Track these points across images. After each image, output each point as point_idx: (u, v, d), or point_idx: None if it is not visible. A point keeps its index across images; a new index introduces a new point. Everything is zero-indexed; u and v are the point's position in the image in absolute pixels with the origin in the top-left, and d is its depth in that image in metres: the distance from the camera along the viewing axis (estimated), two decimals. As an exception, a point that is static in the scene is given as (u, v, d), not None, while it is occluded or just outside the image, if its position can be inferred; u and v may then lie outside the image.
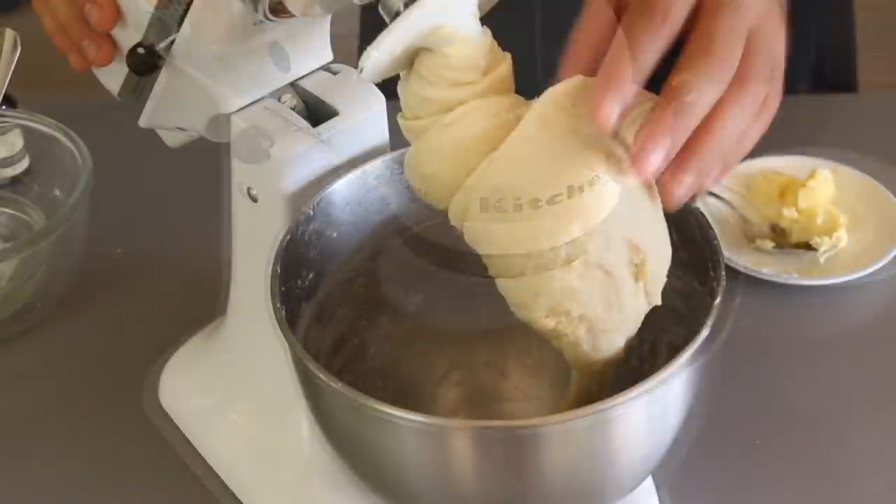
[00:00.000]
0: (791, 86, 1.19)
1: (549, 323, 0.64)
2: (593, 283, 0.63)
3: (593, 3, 0.66)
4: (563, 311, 0.64)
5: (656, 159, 0.59)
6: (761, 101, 0.62)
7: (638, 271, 0.65)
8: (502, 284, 0.65)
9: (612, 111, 0.59)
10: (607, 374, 0.68)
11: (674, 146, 0.59)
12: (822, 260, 0.98)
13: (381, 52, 0.62)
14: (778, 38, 0.64)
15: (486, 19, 0.66)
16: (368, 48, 0.62)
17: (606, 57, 0.60)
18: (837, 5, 1.18)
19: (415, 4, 0.61)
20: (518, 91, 0.69)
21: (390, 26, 0.62)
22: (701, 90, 0.59)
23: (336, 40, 0.77)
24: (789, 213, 1.01)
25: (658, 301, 0.67)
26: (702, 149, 0.60)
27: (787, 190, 1.03)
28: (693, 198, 0.64)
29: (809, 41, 1.17)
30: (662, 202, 0.63)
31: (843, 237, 0.99)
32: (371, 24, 1.20)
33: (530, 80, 0.68)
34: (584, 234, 0.61)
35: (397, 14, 0.62)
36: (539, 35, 1.11)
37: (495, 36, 0.66)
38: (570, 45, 0.66)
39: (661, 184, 0.62)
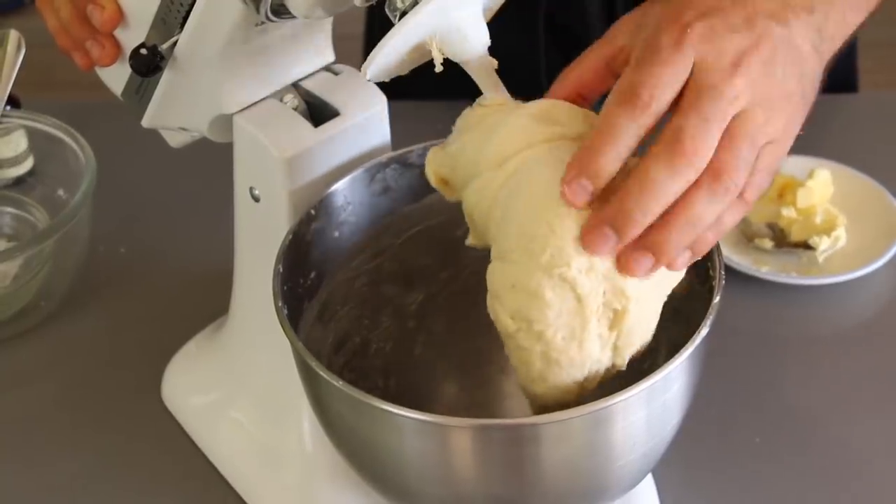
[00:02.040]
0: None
1: (510, 324, 0.63)
2: (563, 303, 0.62)
3: (588, 51, 0.66)
4: (525, 319, 0.62)
5: (604, 244, 0.60)
6: (736, 191, 0.60)
7: (614, 318, 0.63)
8: (492, 268, 0.64)
9: (577, 195, 0.60)
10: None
11: (629, 231, 0.60)
12: (820, 259, 0.99)
13: (386, 55, 0.63)
14: (765, 128, 0.61)
15: (490, 20, 0.66)
16: (373, 52, 0.62)
17: (585, 141, 0.61)
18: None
19: (420, 5, 0.62)
20: (521, 92, 0.69)
21: (396, 27, 0.62)
22: (664, 181, 0.59)
23: (338, 41, 0.77)
24: (788, 212, 1.01)
25: (623, 364, 0.65)
26: (660, 234, 0.60)
27: (787, 190, 1.03)
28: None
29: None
30: (621, 271, 0.62)
31: (841, 236, 0.99)
32: (376, 24, 1.20)
33: (535, 83, 0.69)
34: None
35: (403, 14, 0.62)
36: (543, 38, 1.12)
37: (500, 38, 0.67)
38: (556, 81, 0.67)
39: (618, 255, 0.61)
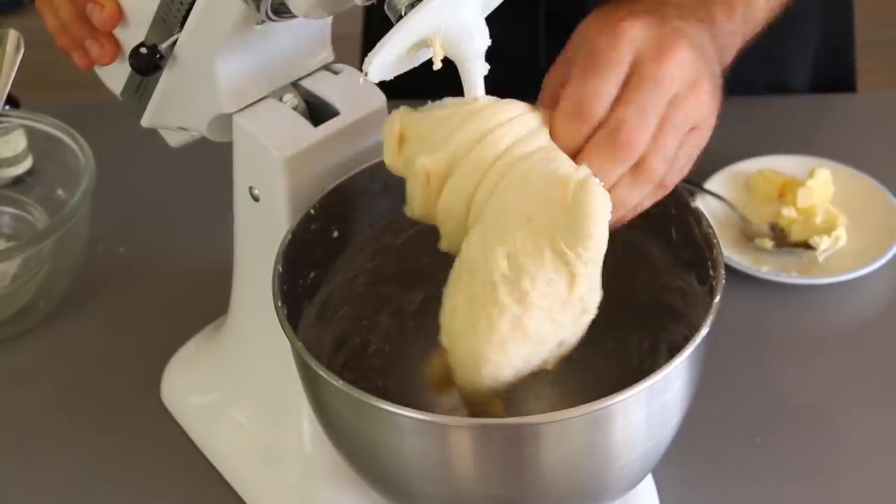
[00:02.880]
0: (791, 86, 1.20)
1: (503, 265, 0.63)
2: (557, 275, 0.63)
3: (546, 80, 0.69)
4: (519, 268, 0.63)
5: None
6: (657, 181, 0.66)
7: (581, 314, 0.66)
8: (509, 197, 0.64)
9: None
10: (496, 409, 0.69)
11: None
12: (820, 259, 0.99)
13: (387, 54, 0.63)
14: (694, 112, 0.66)
15: (490, 18, 0.66)
16: (373, 50, 0.62)
17: None
18: (837, 5, 1.18)
19: (420, 5, 0.62)
20: (523, 91, 0.69)
21: (397, 25, 0.62)
22: (605, 172, 0.64)
23: (338, 40, 0.77)
24: (788, 212, 1.01)
25: (556, 365, 0.68)
26: None
27: (787, 189, 1.03)
28: (693, 196, 0.66)
29: (809, 42, 1.18)
30: None
31: (842, 236, 0.99)
32: (375, 24, 1.20)
33: (535, 81, 0.69)
34: None
35: (403, 14, 0.62)
36: (544, 37, 1.12)
37: (500, 35, 0.67)
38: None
39: None
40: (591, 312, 0.66)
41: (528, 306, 0.63)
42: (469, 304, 0.65)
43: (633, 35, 0.65)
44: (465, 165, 0.64)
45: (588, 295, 0.65)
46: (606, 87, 0.64)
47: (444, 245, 0.68)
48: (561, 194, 0.62)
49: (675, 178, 0.67)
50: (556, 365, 0.68)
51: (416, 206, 0.67)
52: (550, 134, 0.65)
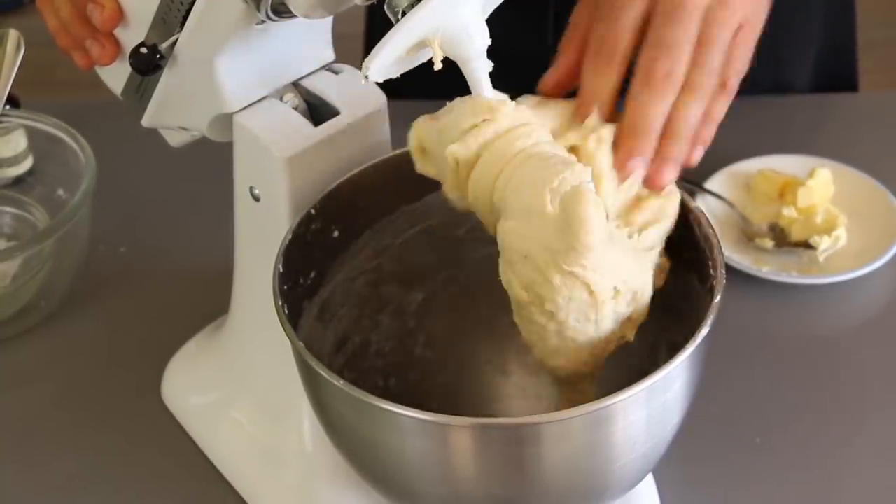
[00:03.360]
0: (793, 86, 1.20)
1: (524, 296, 0.65)
2: (573, 291, 0.64)
3: (560, 52, 0.72)
4: (538, 295, 0.64)
5: (637, 165, 0.69)
6: (711, 90, 0.69)
7: (632, 298, 0.67)
8: (507, 227, 0.65)
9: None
10: (585, 390, 0.70)
11: (648, 149, 0.69)
12: (821, 259, 0.99)
13: (387, 54, 0.63)
14: (732, 18, 0.69)
15: (499, 18, 0.66)
16: (373, 50, 0.62)
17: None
18: (839, 6, 1.18)
19: (419, 5, 0.62)
20: (531, 91, 0.70)
21: (397, 25, 0.62)
22: (654, 105, 0.68)
23: (338, 40, 0.77)
24: (789, 212, 1.01)
25: (632, 337, 0.68)
26: (667, 146, 0.69)
27: (787, 189, 1.03)
28: (693, 196, 0.67)
29: (811, 41, 1.18)
30: (652, 188, 0.70)
31: (842, 236, 0.99)
32: (377, 24, 1.20)
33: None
34: None
35: (403, 13, 0.62)
36: (552, 34, 1.12)
37: (509, 37, 0.67)
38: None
39: (645, 177, 0.69)
40: (646, 291, 0.67)
41: (562, 322, 0.65)
42: (522, 321, 0.68)
43: None
44: (488, 154, 0.65)
45: (626, 284, 0.66)
46: (626, 22, 0.68)
47: (485, 225, 0.70)
48: (548, 223, 0.63)
49: (735, 78, 0.70)
50: (632, 335, 0.69)
51: (448, 190, 0.69)
52: (584, 88, 0.68)
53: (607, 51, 0.69)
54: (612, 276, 0.64)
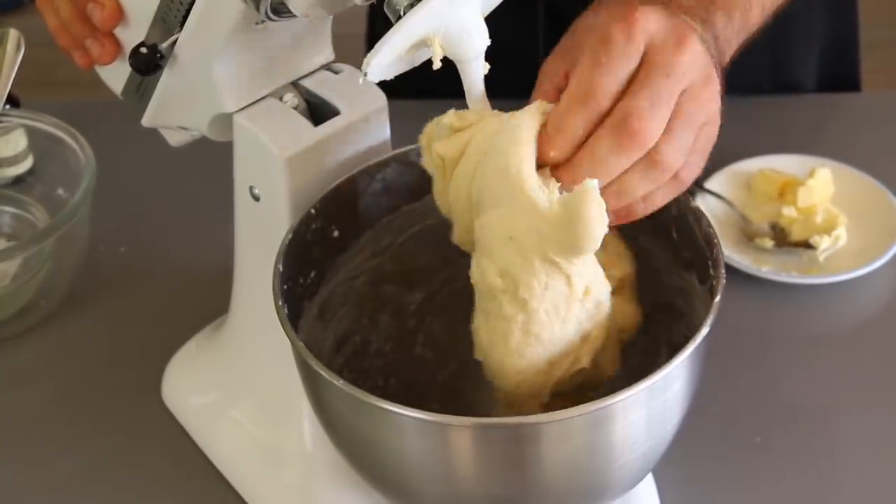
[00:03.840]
0: (795, 86, 1.19)
1: (498, 282, 0.64)
2: (550, 279, 0.64)
3: (541, 75, 0.68)
4: (514, 280, 0.64)
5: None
6: (671, 174, 0.64)
7: (596, 311, 0.66)
8: (487, 219, 0.65)
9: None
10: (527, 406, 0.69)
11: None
12: (821, 259, 0.99)
13: (386, 54, 0.63)
14: (708, 104, 0.65)
15: (490, 13, 0.66)
16: (373, 50, 0.62)
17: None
18: (841, 5, 1.18)
19: (419, 5, 0.62)
20: (521, 88, 0.69)
21: (396, 25, 0.62)
22: (613, 161, 0.63)
23: (338, 40, 0.77)
24: (789, 211, 1.01)
25: (587, 363, 0.68)
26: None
27: (787, 189, 1.03)
28: (693, 196, 0.66)
29: (813, 41, 1.18)
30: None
31: (842, 236, 0.99)
32: (378, 24, 1.20)
33: (533, 75, 0.69)
34: None
35: (402, 14, 0.62)
36: (542, 32, 1.12)
37: (499, 31, 0.67)
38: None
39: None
40: (606, 303, 0.67)
41: (532, 311, 0.65)
42: (486, 320, 0.67)
43: (647, 24, 0.64)
44: (469, 152, 0.65)
45: (595, 288, 0.65)
46: (618, 75, 0.63)
47: (455, 236, 0.69)
48: (534, 209, 0.63)
49: (691, 172, 0.66)
50: (591, 362, 0.68)
51: (437, 194, 0.69)
52: (552, 122, 0.64)
53: (589, 93, 0.64)
54: (586, 276, 0.65)
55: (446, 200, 0.68)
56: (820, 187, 1.02)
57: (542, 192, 0.63)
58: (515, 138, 0.63)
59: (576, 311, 0.65)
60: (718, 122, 0.66)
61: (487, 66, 0.66)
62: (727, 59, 0.71)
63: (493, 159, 0.64)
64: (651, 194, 0.65)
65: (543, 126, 0.64)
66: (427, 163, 0.68)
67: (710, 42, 0.67)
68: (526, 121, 0.64)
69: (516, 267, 0.64)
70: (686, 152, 0.64)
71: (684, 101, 0.64)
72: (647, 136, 0.62)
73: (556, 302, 0.64)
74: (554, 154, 0.63)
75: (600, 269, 0.66)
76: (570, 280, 0.64)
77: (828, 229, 0.99)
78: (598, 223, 0.61)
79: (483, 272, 0.65)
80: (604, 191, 0.62)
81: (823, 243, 0.99)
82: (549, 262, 0.63)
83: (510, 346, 0.66)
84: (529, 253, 0.63)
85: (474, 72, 0.65)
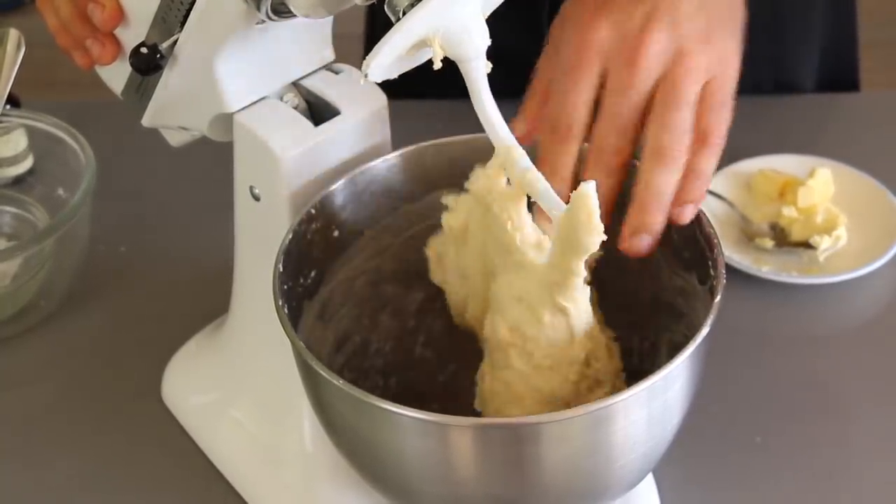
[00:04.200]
0: (794, 86, 1.19)
1: (507, 336, 0.67)
2: (556, 333, 0.66)
3: (524, 102, 0.71)
4: (521, 334, 0.66)
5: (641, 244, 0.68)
6: (682, 156, 0.67)
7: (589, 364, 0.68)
8: (501, 282, 0.67)
9: None
10: None
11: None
12: (821, 259, 0.99)
13: (386, 54, 0.63)
14: (690, 75, 0.67)
15: (493, 15, 0.66)
16: (373, 50, 0.62)
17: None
18: (840, 5, 1.18)
19: (419, 5, 0.62)
20: (524, 90, 0.70)
21: (396, 25, 0.62)
22: (560, 162, 0.68)
23: (339, 40, 0.77)
24: (789, 211, 1.01)
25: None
26: (640, 217, 0.68)
27: (787, 189, 1.03)
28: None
29: (812, 41, 1.18)
30: (631, 255, 0.69)
31: (842, 236, 0.99)
32: (378, 24, 1.20)
33: None
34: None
35: (403, 13, 0.62)
36: (546, 35, 1.12)
37: (502, 35, 0.67)
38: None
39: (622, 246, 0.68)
40: (605, 385, 0.69)
41: (536, 365, 0.67)
42: (492, 369, 0.70)
43: (600, 40, 0.66)
44: (472, 229, 0.69)
45: (594, 350, 0.68)
46: (580, 100, 0.66)
47: (468, 312, 0.73)
48: (536, 270, 0.66)
49: (717, 130, 0.68)
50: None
51: (451, 298, 0.74)
52: (546, 167, 0.67)
53: (563, 129, 0.68)
54: (584, 319, 0.67)
55: (461, 280, 0.72)
56: (820, 187, 1.02)
57: (541, 251, 0.66)
58: (508, 217, 0.66)
59: (575, 368, 0.67)
60: (728, 67, 0.68)
61: (490, 66, 0.66)
62: None
63: (491, 237, 0.68)
64: (691, 169, 0.67)
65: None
66: (434, 274, 0.73)
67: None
68: (513, 200, 0.67)
69: (525, 323, 0.66)
70: (688, 128, 0.66)
71: (663, 89, 0.66)
72: (620, 157, 0.66)
73: (558, 356, 0.67)
74: (558, 188, 0.66)
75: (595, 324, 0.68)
76: (572, 331, 0.66)
77: (828, 229, 0.99)
78: (597, 219, 0.62)
79: (494, 328, 0.68)
80: (645, 204, 0.66)
81: (823, 243, 0.98)
82: (556, 312, 0.65)
83: (510, 395, 0.68)
84: (539, 309, 0.65)
85: (475, 71, 0.65)
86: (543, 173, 0.65)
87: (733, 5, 0.71)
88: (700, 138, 0.68)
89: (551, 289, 0.65)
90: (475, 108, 0.67)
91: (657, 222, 0.68)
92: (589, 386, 0.69)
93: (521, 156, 0.66)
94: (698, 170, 0.68)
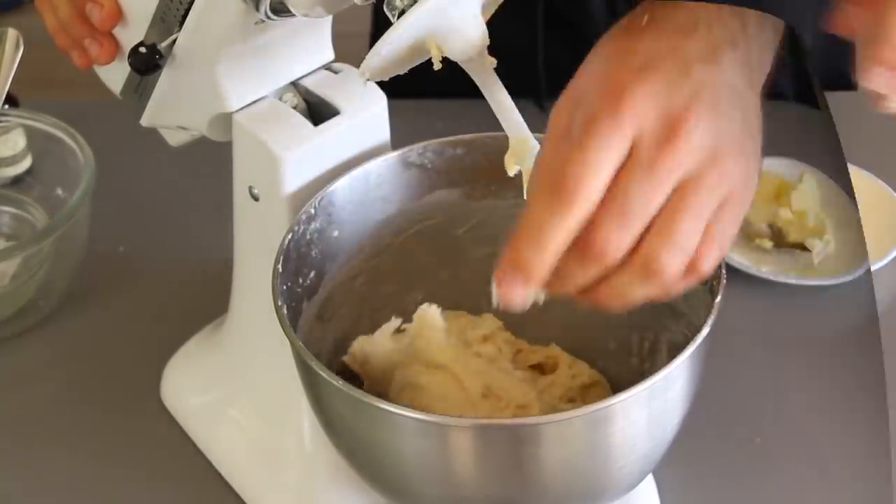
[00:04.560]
0: (790, 87, 1.19)
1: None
2: None
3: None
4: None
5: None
6: (670, 274, 0.57)
7: None
8: None
9: (516, 296, 0.57)
10: None
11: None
12: (815, 262, 0.98)
13: (386, 52, 0.63)
14: (720, 185, 0.57)
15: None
16: (372, 50, 0.62)
17: (511, 239, 0.57)
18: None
19: (418, 4, 0.62)
20: (521, 89, 0.69)
21: (394, 25, 0.62)
22: (576, 276, 0.57)
23: (339, 39, 0.77)
24: (784, 213, 1.01)
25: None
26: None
27: (782, 191, 1.03)
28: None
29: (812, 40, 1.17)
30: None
31: (830, 241, 0.99)
32: (382, 22, 1.20)
33: (532, 75, 0.69)
34: None
35: (402, 13, 0.62)
36: (542, 30, 1.11)
37: (498, 29, 0.66)
38: None
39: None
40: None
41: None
42: None
43: (637, 107, 0.55)
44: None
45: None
46: (596, 168, 0.55)
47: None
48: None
49: (708, 262, 0.57)
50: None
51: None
52: (526, 217, 0.57)
53: (560, 190, 0.56)
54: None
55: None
56: (809, 192, 1.02)
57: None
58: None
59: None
60: (745, 192, 0.58)
61: (494, 62, 0.65)
62: (765, 73, 0.63)
63: None
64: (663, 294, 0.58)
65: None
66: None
67: (740, 82, 0.59)
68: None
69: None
70: (689, 249, 0.57)
71: (685, 195, 0.56)
72: (607, 254, 0.56)
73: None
74: (540, 268, 0.56)
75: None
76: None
77: (819, 233, 0.99)
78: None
79: None
80: (598, 293, 0.58)
81: (816, 246, 0.98)
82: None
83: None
84: None
85: (479, 67, 0.65)
86: (520, 237, 0.56)
87: (757, 125, 0.60)
88: (689, 263, 0.57)
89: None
90: (489, 101, 0.64)
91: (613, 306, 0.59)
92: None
93: (535, 147, 0.63)
94: (676, 289, 0.58)
